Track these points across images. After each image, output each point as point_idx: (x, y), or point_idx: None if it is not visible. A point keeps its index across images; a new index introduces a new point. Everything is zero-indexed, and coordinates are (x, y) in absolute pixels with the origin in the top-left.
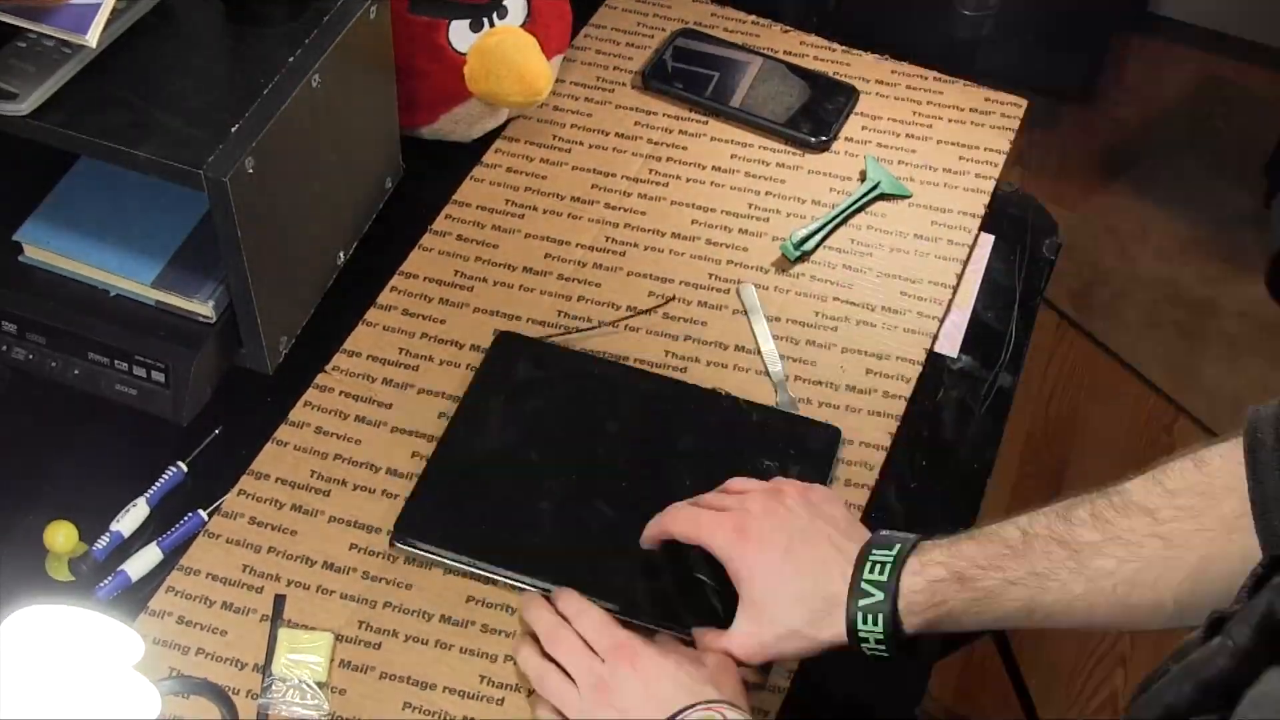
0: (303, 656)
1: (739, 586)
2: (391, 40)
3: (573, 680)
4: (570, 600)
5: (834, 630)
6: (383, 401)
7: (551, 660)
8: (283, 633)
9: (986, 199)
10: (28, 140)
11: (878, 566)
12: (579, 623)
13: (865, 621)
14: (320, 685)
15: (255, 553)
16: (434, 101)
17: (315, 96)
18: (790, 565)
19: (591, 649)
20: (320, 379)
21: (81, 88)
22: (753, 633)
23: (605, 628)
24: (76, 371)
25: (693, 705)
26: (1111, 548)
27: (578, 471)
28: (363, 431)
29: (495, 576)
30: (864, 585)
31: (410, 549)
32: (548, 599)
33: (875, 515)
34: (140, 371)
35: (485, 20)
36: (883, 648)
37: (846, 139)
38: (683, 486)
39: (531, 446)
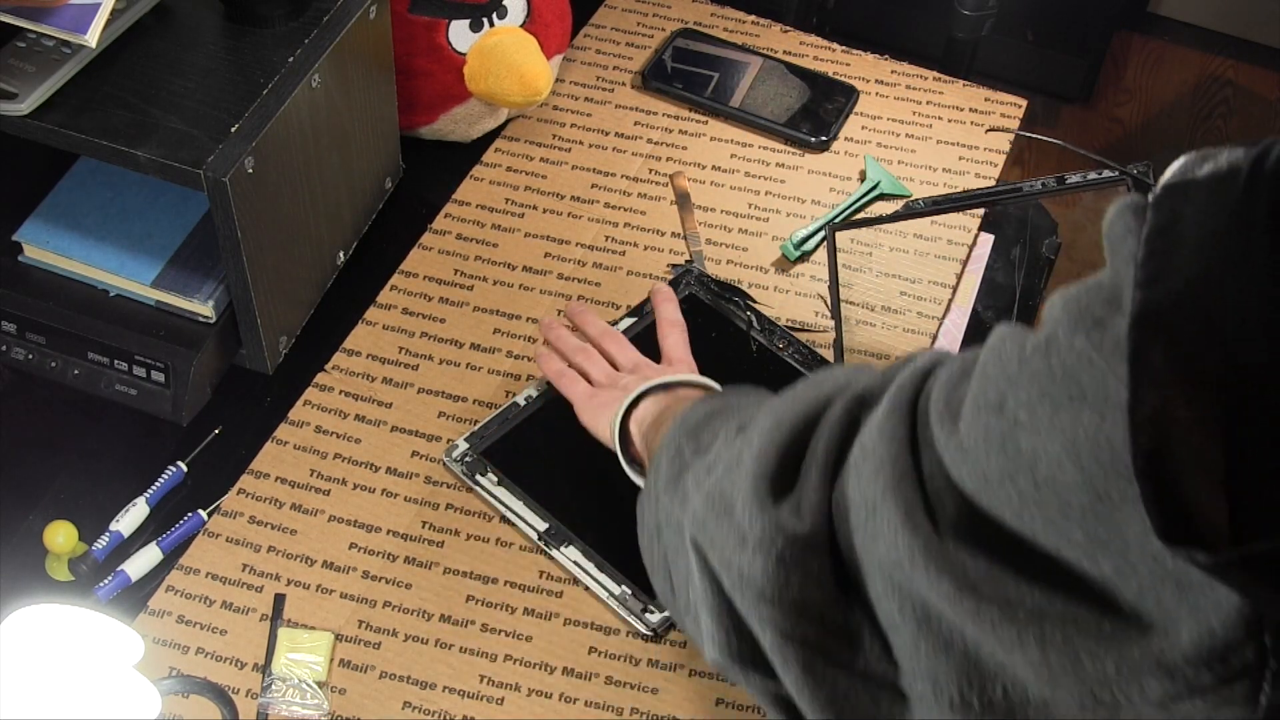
0: (303, 656)
1: None
2: (391, 40)
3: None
4: (594, 321)
5: None
6: (382, 401)
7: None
8: (282, 632)
9: None
10: (28, 140)
11: None
12: (603, 343)
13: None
14: (320, 685)
15: (255, 552)
16: (434, 101)
17: (315, 96)
18: None
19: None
20: (320, 378)
21: (81, 88)
22: None
23: (627, 349)
24: (76, 371)
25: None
26: None
27: None
28: (362, 431)
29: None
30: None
31: (469, 472)
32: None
33: None
34: (140, 371)
35: (485, 20)
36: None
37: (846, 139)
38: None
39: None
